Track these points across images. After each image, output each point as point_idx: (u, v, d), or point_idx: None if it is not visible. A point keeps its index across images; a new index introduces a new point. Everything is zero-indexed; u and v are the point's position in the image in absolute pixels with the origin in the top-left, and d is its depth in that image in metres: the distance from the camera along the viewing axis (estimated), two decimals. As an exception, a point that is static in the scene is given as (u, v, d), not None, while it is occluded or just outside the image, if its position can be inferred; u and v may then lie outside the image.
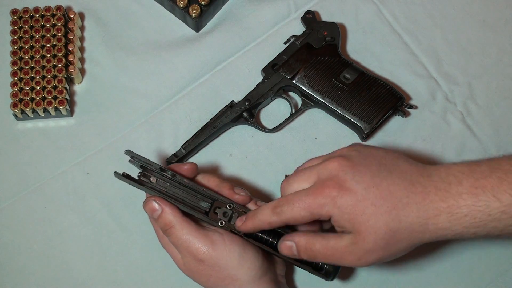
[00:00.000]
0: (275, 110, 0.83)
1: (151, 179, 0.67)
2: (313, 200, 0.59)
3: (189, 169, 0.69)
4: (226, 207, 0.67)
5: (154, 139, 0.80)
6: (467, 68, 0.85)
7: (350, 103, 0.79)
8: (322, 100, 0.79)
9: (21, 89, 0.78)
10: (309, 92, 0.79)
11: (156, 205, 0.65)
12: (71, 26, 0.81)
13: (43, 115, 0.79)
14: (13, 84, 0.78)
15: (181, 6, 0.83)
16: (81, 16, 0.85)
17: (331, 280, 0.66)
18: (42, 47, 0.80)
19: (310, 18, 0.83)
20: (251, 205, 0.68)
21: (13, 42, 0.80)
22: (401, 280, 0.77)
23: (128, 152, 0.66)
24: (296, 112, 0.81)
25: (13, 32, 0.80)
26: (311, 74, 0.80)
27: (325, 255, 0.60)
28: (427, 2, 0.88)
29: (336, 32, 0.82)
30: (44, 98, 0.78)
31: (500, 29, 0.87)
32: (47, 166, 0.79)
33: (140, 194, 0.69)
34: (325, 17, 0.86)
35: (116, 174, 0.64)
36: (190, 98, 0.82)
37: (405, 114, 0.81)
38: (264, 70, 0.81)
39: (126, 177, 0.65)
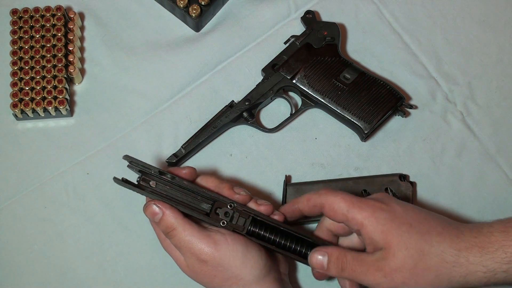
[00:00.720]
0: (275, 110, 0.83)
1: (151, 183, 0.66)
2: (356, 200, 0.63)
3: (187, 173, 0.69)
4: (227, 207, 0.67)
5: (154, 139, 0.80)
6: (467, 68, 0.85)
7: (350, 103, 0.78)
8: (322, 100, 0.79)
9: (21, 89, 0.78)
10: (309, 92, 0.79)
11: (156, 209, 0.65)
12: (71, 26, 0.81)
13: (43, 115, 0.79)
14: (13, 84, 0.78)
15: (181, 6, 0.83)
16: (81, 16, 0.85)
17: None
18: (42, 47, 0.80)
19: (310, 18, 0.83)
20: (251, 204, 0.68)
21: (13, 42, 0.80)
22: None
23: (126, 157, 0.65)
24: (296, 112, 0.81)
25: (13, 32, 0.80)
26: (311, 74, 0.80)
27: (353, 266, 0.62)
28: (427, 2, 0.88)
29: (336, 32, 0.82)
30: (44, 98, 0.78)
31: (500, 29, 0.87)
32: (47, 166, 0.79)
33: (140, 195, 0.69)
34: (325, 17, 0.86)
35: (115, 179, 0.64)
36: (190, 98, 0.82)
37: (405, 114, 0.81)
38: (264, 70, 0.81)
39: (125, 182, 0.65)
